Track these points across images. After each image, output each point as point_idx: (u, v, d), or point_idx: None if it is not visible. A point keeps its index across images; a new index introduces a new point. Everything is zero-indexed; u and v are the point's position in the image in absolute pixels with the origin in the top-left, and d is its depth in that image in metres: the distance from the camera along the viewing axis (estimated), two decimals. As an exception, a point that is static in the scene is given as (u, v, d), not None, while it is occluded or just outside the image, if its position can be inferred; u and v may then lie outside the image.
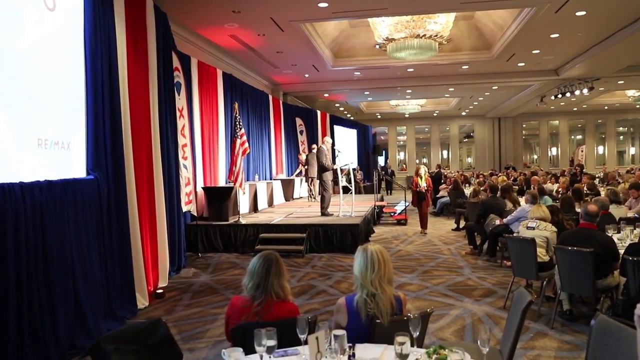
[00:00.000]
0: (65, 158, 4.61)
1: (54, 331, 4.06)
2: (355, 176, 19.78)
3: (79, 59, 4.90)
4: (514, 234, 5.69)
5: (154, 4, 6.39)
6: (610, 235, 4.83)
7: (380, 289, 2.48)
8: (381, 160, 28.72)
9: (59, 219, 4.26)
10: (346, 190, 10.24)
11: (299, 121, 16.88)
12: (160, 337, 2.47)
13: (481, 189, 10.00)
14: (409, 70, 14.85)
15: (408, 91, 18.56)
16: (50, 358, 3.88)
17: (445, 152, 29.28)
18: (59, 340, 4.07)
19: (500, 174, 15.93)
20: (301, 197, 14.47)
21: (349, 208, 9.83)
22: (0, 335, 3.54)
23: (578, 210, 6.15)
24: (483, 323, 4.72)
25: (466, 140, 31.54)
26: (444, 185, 15.09)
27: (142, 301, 5.53)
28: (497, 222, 7.40)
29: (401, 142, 29.88)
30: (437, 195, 14.40)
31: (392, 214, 12.73)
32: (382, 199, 15.31)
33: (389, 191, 23.49)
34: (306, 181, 13.78)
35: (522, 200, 8.01)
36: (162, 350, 2.46)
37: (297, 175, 14.95)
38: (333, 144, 11.03)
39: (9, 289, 3.62)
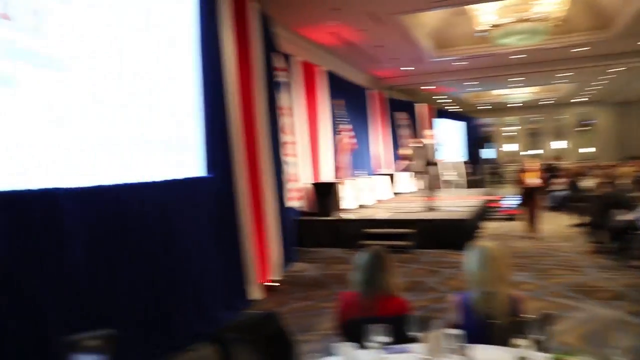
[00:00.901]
0: (185, 158, 4.94)
1: (177, 318, 4.32)
2: (462, 170, 19.10)
3: (193, 67, 5.21)
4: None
5: (258, 8, 6.58)
6: None
7: (496, 288, 2.41)
8: (489, 153, 27.47)
9: (180, 215, 4.57)
10: (453, 184, 9.88)
11: (401, 115, 16.68)
12: (275, 329, 2.54)
13: (603, 181, 9.15)
14: (516, 56, 14.10)
15: (516, 79, 17.63)
16: (176, 342, 4.13)
17: (560, 142, 27.31)
18: (182, 326, 4.33)
19: (628, 165, 14.48)
20: (405, 193, 14.31)
21: (456, 202, 9.67)
22: (133, 322, 3.87)
23: None
24: (613, 329, 4.30)
25: (584, 128, 29.21)
26: (559, 180, 14.06)
27: (255, 293, 5.75)
28: (623, 217, 6.85)
29: (510, 133, 28.33)
30: (552, 189, 13.48)
31: (502, 208, 12.09)
32: (490, 193, 14.75)
33: (497, 185, 22.40)
34: (412, 176, 13.57)
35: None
36: (276, 341, 2.52)
37: (402, 170, 14.83)
38: (437, 138, 10.75)
39: (138, 280, 3.93)
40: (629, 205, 7.04)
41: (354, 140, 9.09)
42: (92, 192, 3.67)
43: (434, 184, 9.37)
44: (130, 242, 3.94)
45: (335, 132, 9.09)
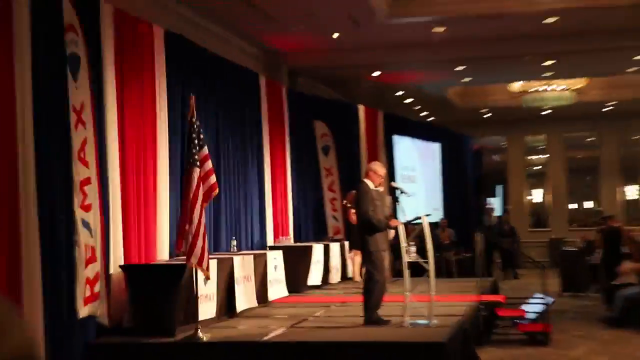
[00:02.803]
0: None
1: None
2: (438, 240, 19.36)
3: None
4: None
5: None
6: None
7: None
8: (494, 204, 28.27)
9: None
10: (418, 270, 10.02)
11: (321, 127, 16.99)
12: None
13: None
14: (547, 20, 14.82)
15: (546, 63, 18.50)
16: None
17: (632, 188, 28.85)
18: None
19: None
20: (329, 284, 14.82)
21: (424, 308, 9.72)
22: None
23: None
24: None
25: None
26: (629, 263, 14.60)
27: None
28: None
29: (535, 167, 29.41)
30: (619, 282, 14.17)
31: (518, 320, 12.38)
32: (495, 288, 15.13)
33: (510, 270, 23.00)
34: (350, 249, 14.50)
35: None
36: None
37: (324, 239, 15.31)
38: (391, 177, 10.95)
39: None
40: None
41: (214, 180, 9.24)
42: None
43: (378, 269, 9.67)
44: None
45: (189, 161, 8.90)
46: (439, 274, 17.42)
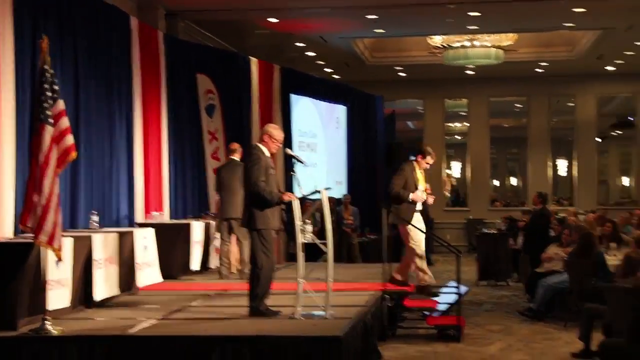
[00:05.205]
0: None
1: None
2: (339, 218, 19.44)
3: None
4: None
5: None
6: None
7: None
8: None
9: None
10: (315, 253, 10.11)
11: (205, 82, 16.93)
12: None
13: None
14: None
15: (471, 13, 18.72)
16: None
17: (563, 163, 29.46)
18: None
19: None
20: (209, 269, 15.11)
21: (320, 297, 9.80)
22: None
23: None
24: None
25: (617, 134, 31.80)
26: (555, 248, 14.96)
27: None
28: None
29: (456, 137, 29.79)
30: (542, 270, 14.58)
31: (428, 312, 12.63)
32: (404, 278, 15.11)
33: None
34: (217, 229, 14.48)
35: None
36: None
37: (205, 217, 15.44)
38: (287, 143, 10.97)
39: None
40: None
41: (70, 141, 9.02)
42: None
43: (268, 252, 9.84)
44: None
45: (39, 117, 8.70)
46: (339, 258, 17.58)
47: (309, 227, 9.98)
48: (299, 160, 10.32)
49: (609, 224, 15.58)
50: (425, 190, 12.70)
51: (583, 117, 28.59)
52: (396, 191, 12.42)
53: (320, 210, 10.36)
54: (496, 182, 33.24)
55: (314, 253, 10.26)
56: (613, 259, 13.27)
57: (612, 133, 33.02)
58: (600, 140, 30.12)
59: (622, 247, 14.01)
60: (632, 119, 29.61)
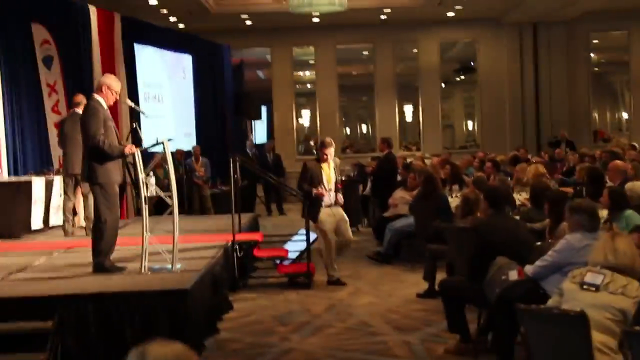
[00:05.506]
0: None
1: None
2: (190, 170, 19.39)
3: None
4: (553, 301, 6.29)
5: None
6: None
7: None
8: (257, 132, 28.53)
9: None
10: (159, 206, 10.13)
11: (40, 32, 16.53)
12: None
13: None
14: None
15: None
16: None
17: (409, 109, 29.96)
18: None
19: (534, 159, 16.63)
20: (53, 227, 14.82)
21: (167, 250, 9.87)
22: None
23: None
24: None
25: (460, 79, 32.27)
26: (401, 192, 15.24)
27: None
28: (514, 274, 7.75)
29: (305, 86, 29.79)
30: (390, 214, 14.94)
31: (279, 260, 12.81)
32: (255, 225, 15.51)
33: (274, 205, 23.70)
34: (65, 184, 14.16)
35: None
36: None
37: (48, 173, 15.17)
38: (133, 95, 10.90)
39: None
40: (526, 247, 8.01)
41: None
42: None
43: (112, 206, 9.84)
44: None
45: None
46: (191, 210, 17.56)
47: (152, 180, 9.94)
48: (139, 111, 10.25)
49: (447, 167, 16.04)
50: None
51: (427, 63, 29.05)
52: None
53: (165, 162, 10.38)
54: (348, 130, 33.56)
55: (164, 206, 10.28)
56: (455, 201, 13.54)
57: (456, 78, 33.91)
58: (444, 85, 30.79)
59: (465, 189, 14.20)
60: (473, 64, 30.38)
